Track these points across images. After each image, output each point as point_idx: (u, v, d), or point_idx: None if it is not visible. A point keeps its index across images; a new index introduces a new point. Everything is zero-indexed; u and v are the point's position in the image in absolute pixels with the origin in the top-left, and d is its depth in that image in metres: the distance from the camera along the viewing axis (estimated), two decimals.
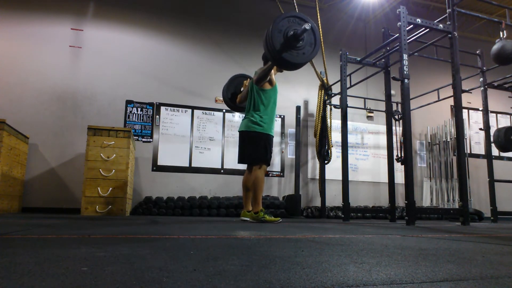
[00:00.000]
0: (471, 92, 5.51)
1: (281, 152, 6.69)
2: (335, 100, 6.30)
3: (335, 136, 6.51)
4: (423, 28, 4.18)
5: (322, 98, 6.08)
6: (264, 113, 3.59)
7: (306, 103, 7.04)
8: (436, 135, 7.44)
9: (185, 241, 1.50)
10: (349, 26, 7.62)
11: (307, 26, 2.94)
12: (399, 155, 5.25)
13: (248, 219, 3.58)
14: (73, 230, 1.97)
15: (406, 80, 3.76)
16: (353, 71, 5.54)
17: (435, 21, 4.03)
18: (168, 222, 3.13)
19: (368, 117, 7.36)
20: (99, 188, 4.44)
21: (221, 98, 6.50)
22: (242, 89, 4.11)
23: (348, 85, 5.28)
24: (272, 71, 3.60)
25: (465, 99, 5.92)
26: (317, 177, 6.38)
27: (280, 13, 5.96)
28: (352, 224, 3.63)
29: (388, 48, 4.87)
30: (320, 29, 5.74)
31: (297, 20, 3.08)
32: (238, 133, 3.80)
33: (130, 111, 6.04)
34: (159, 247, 1.28)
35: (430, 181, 7.28)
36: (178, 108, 6.27)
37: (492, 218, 5.19)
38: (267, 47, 3.05)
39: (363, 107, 6.66)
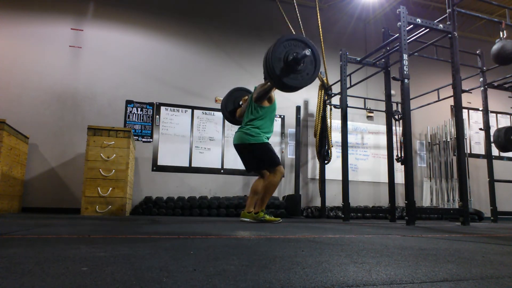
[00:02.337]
0: (471, 92, 5.51)
1: (281, 152, 6.69)
2: (335, 100, 6.30)
3: (335, 136, 6.51)
4: (423, 28, 4.18)
5: (322, 98, 6.08)
6: (259, 127, 3.55)
7: (306, 103, 7.04)
8: (436, 135, 7.43)
9: (185, 241, 1.50)
10: (349, 26, 7.62)
11: (307, 52, 2.93)
12: (399, 155, 5.25)
13: (247, 219, 3.57)
14: (73, 230, 1.97)
15: (406, 80, 3.76)
16: (353, 71, 5.54)
17: (435, 21, 4.03)
18: (168, 222, 3.13)
19: (368, 117, 7.36)
20: (99, 188, 4.44)
21: (221, 98, 6.52)
22: (241, 103, 4.09)
23: (348, 85, 5.27)
24: (271, 94, 3.60)
25: (465, 99, 5.91)
26: (317, 177, 6.37)
27: (280, 13, 5.97)
28: (352, 224, 3.63)
29: (388, 48, 4.87)
30: (320, 29, 5.76)
31: (297, 43, 3.05)
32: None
33: (130, 111, 6.04)
34: (159, 247, 1.28)
35: (430, 181, 7.28)
36: (178, 108, 6.27)
37: (492, 218, 5.19)
38: (267, 70, 3.04)
39: (363, 107, 6.66)
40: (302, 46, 3.03)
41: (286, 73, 2.97)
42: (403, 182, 3.80)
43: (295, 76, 3.01)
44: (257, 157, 3.56)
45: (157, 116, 6.14)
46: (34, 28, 5.83)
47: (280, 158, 6.64)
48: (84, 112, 5.81)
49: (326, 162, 6.03)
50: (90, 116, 5.77)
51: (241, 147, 3.60)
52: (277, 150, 6.62)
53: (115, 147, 4.61)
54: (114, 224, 2.68)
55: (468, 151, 7.55)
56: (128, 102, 6.05)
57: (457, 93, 3.96)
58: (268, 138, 3.63)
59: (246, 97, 4.03)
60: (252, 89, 3.97)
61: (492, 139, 5.45)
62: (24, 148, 5.14)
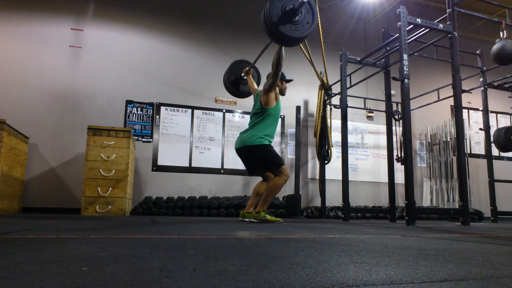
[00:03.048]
0: (471, 92, 5.51)
1: (281, 152, 6.69)
2: (335, 100, 6.30)
3: (335, 136, 6.51)
4: (423, 28, 4.18)
5: (322, 98, 6.08)
6: (262, 130, 3.56)
7: (306, 103, 7.04)
8: (436, 135, 7.43)
9: (185, 241, 1.50)
10: (349, 26, 7.62)
11: None
12: (399, 155, 5.24)
13: (248, 219, 3.57)
14: (73, 230, 1.97)
15: (406, 80, 3.76)
16: (353, 71, 5.53)
17: (435, 21, 4.03)
18: (168, 222, 3.13)
19: (368, 117, 7.36)
20: (99, 188, 4.44)
21: (222, 98, 6.52)
22: (242, 74, 4.20)
23: (348, 85, 5.27)
24: (276, 89, 3.59)
25: (465, 99, 5.91)
26: (317, 177, 6.37)
27: None
28: (352, 224, 3.63)
29: (388, 48, 4.87)
30: (320, 29, 5.76)
31: None
32: (236, 139, 3.75)
33: (130, 111, 6.04)
34: (159, 247, 1.28)
35: (430, 181, 7.28)
36: (178, 108, 6.27)
37: (492, 218, 5.19)
38: (265, 22, 3.04)
39: (363, 107, 6.66)
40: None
41: (282, 21, 2.97)
42: (403, 182, 3.80)
43: (296, 27, 3.02)
44: (259, 159, 3.55)
45: (157, 116, 6.14)
46: (34, 28, 5.83)
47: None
48: (84, 112, 5.81)
49: (326, 162, 6.04)
50: (90, 116, 5.77)
51: (242, 150, 3.60)
52: (277, 150, 6.61)
53: (115, 147, 4.61)
54: (114, 224, 2.68)
55: (468, 151, 7.55)
56: (128, 102, 6.05)
57: (457, 93, 3.96)
58: (270, 141, 3.62)
59: (247, 68, 4.13)
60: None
61: (492, 139, 5.45)
62: (24, 148, 5.14)
